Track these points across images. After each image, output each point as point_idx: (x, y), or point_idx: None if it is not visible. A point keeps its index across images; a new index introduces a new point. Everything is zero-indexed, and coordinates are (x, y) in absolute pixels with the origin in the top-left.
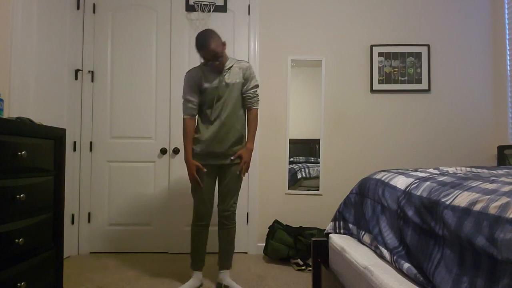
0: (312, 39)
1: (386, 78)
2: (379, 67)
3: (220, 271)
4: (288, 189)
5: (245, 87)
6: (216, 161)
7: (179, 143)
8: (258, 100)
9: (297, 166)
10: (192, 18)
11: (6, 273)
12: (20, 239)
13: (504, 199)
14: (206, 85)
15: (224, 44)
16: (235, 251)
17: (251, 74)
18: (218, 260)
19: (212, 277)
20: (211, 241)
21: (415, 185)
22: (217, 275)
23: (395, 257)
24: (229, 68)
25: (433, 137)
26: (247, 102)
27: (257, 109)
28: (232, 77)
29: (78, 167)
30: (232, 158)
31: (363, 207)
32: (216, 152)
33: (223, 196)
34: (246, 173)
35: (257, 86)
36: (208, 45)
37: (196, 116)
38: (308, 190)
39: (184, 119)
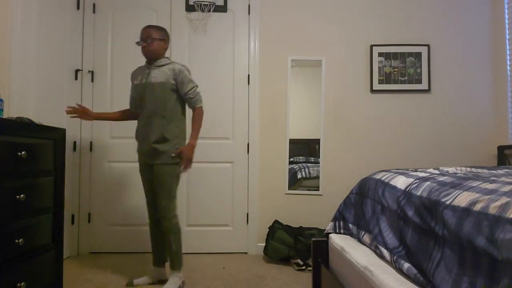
0: (312, 39)
1: (386, 78)
2: (379, 67)
3: (155, 267)
4: (288, 189)
5: (182, 90)
6: (145, 159)
7: None
8: (200, 98)
9: (297, 166)
10: (192, 18)
11: (6, 273)
12: (20, 239)
13: (504, 199)
14: (135, 82)
15: (165, 42)
16: (235, 251)
17: (185, 77)
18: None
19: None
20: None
21: (415, 185)
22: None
23: (395, 257)
24: (159, 67)
25: (433, 137)
26: (189, 102)
27: (201, 106)
28: (158, 76)
29: (78, 167)
30: (173, 155)
31: (363, 207)
32: (143, 150)
33: (156, 198)
34: (245, 174)
35: (195, 86)
36: (150, 26)
37: (132, 112)
38: (308, 190)
39: None
